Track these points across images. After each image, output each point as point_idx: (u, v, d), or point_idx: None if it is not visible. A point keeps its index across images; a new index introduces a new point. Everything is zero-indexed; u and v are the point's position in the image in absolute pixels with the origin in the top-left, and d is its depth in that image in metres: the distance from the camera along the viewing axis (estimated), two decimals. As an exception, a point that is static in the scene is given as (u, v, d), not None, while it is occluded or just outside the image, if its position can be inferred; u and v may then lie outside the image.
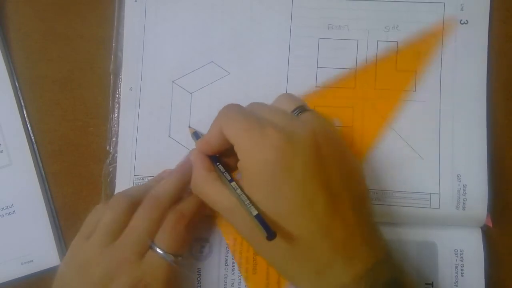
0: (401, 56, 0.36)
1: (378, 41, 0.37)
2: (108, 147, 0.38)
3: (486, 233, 0.35)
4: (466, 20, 0.36)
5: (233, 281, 0.36)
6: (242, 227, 0.30)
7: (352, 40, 0.37)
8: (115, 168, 0.38)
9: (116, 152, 0.38)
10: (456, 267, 0.35)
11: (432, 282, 0.35)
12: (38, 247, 0.38)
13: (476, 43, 0.36)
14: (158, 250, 0.31)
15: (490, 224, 0.35)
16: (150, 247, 0.31)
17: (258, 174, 0.28)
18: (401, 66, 0.36)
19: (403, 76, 0.36)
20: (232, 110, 0.31)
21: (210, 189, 0.31)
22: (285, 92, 0.36)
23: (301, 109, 0.31)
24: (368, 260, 0.28)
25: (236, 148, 0.29)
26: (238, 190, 0.29)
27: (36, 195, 0.38)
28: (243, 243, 0.36)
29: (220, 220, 0.36)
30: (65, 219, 0.38)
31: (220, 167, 0.32)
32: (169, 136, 0.37)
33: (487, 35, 0.36)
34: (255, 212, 0.27)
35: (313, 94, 0.36)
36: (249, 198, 0.28)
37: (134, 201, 0.32)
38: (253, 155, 0.28)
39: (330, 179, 0.28)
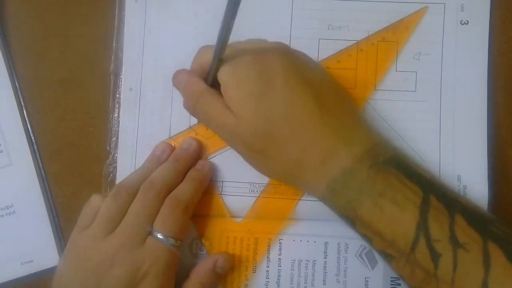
0: (402, 56, 0.37)
1: (378, 41, 0.37)
2: (108, 147, 0.38)
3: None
4: (467, 21, 0.36)
5: (233, 279, 0.36)
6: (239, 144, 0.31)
7: (352, 41, 0.37)
8: (115, 168, 0.38)
9: (116, 152, 0.38)
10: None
11: (432, 282, 0.35)
12: (38, 247, 0.38)
13: (477, 43, 0.36)
14: (158, 235, 0.31)
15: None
16: (149, 233, 0.32)
17: (244, 93, 0.30)
18: (401, 67, 0.36)
19: (403, 76, 0.36)
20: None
21: (214, 101, 0.31)
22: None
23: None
24: (365, 143, 0.29)
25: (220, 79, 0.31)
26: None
27: (36, 195, 0.38)
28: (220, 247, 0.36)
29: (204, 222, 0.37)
30: (65, 219, 0.38)
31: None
32: (169, 137, 0.37)
33: (488, 35, 0.36)
34: None
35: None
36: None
37: (132, 190, 0.33)
38: (235, 80, 0.30)
39: (311, 80, 0.30)
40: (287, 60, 0.30)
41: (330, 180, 0.29)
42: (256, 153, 0.31)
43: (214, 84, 0.32)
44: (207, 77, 0.32)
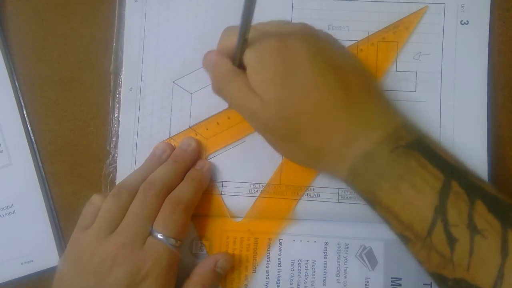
0: (402, 56, 0.37)
1: (378, 41, 0.37)
2: (108, 147, 0.38)
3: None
4: (467, 21, 0.36)
5: (233, 279, 0.36)
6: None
7: (352, 41, 0.37)
8: (115, 168, 0.38)
9: (116, 152, 0.38)
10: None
11: (431, 282, 0.35)
12: (38, 247, 0.38)
13: (477, 43, 0.36)
14: (158, 235, 0.31)
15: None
16: (150, 233, 0.32)
17: (269, 76, 0.30)
18: (401, 67, 0.36)
19: (403, 76, 0.36)
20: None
21: (239, 83, 0.31)
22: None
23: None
24: (387, 126, 0.29)
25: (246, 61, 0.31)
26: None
27: (36, 195, 0.38)
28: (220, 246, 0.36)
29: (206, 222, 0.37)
30: (65, 219, 0.38)
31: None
32: (169, 137, 0.37)
33: (488, 36, 0.36)
34: None
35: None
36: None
37: (132, 190, 0.33)
38: (260, 63, 0.30)
39: (335, 64, 0.30)
40: (312, 44, 0.30)
41: (351, 163, 0.29)
42: (279, 138, 0.31)
43: (241, 66, 0.32)
44: (234, 59, 0.32)
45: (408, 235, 0.29)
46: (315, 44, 0.30)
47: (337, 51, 0.32)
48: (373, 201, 0.29)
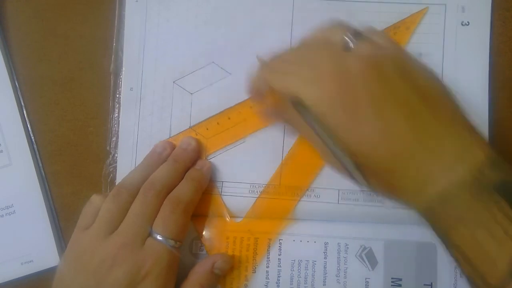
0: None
1: (378, 42, 0.37)
2: (108, 147, 0.38)
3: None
4: (468, 22, 0.36)
5: (233, 279, 0.36)
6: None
7: (353, 41, 0.37)
8: (115, 168, 0.38)
9: (116, 152, 0.38)
10: (456, 268, 0.35)
11: (431, 283, 0.35)
12: (38, 247, 0.38)
13: (478, 44, 0.36)
14: (158, 236, 0.31)
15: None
16: (150, 234, 0.32)
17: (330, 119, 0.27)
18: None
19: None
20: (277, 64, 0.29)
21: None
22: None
23: (354, 37, 0.28)
24: (469, 163, 0.26)
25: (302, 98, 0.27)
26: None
27: (36, 195, 0.38)
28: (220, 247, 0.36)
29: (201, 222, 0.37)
30: (65, 219, 0.38)
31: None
32: (169, 137, 0.37)
33: (489, 36, 0.36)
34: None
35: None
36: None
37: (133, 190, 0.33)
38: (320, 105, 0.27)
39: (404, 97, 0.27)
40: (373, 79, 0.27)
41: (427, 203, 0.27)
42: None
43: None
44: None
45: (478, 283, 0.26)
46: (376, 78, 0.27)
47: (406, 77, 0.28)
48: (446, 240, 0.27)
